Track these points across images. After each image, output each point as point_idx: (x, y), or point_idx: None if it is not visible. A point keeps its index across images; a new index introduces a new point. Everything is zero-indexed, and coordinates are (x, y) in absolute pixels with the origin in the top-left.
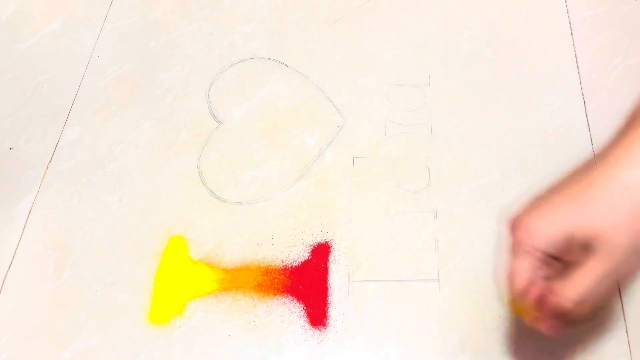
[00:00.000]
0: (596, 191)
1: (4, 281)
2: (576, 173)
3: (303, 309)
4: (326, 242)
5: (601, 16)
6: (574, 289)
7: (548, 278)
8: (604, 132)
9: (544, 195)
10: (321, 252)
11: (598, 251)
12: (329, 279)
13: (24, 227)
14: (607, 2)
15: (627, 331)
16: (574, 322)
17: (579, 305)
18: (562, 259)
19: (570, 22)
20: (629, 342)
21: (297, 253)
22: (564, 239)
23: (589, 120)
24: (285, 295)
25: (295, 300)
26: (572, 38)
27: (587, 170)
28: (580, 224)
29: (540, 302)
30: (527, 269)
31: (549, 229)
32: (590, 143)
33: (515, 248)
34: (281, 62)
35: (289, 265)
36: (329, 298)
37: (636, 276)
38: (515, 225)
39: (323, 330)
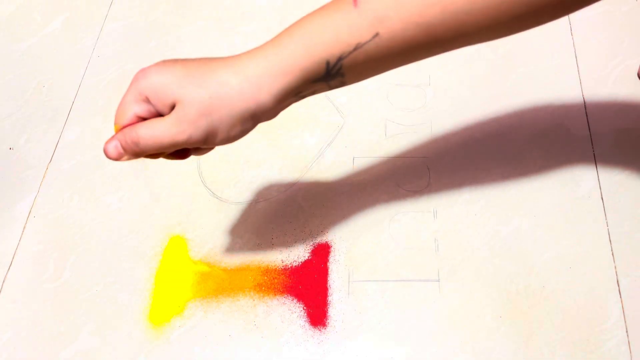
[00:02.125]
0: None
1: (3, 281)
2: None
3: (303, 309)
4: (326, 242)
5: (601, 16)
6: (142, 129)
7: (141, 117)
8: (603, 132)
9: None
10: (321, 252)
11: (175, 114)
12: (329, 279)
13: (24, 227)
14: (607, 2)
15: (627, 331)
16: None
17: (147, 148)
18: (157, 109)
19: (570, 22)
20: (629, 342)
21: (297, 253)
22: (161, 92)
23: (588, 120)
24: (285, 295)
25: (295, 300)
26: (572, 38)
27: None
28: (175, 91)
29: (124, 131)
30: (127, 102)
31: (156, 83)
32: (590, 143)
33: (130, 86)
34: None
35: (289, 265)
36: (329, 298)
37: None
38: (140, 70)
39: (323, 330)
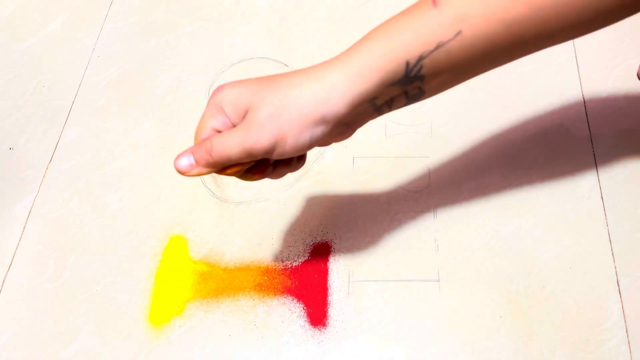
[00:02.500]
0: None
1: (3, 281)
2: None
3: (303, 309)
4: (326, 242)
5: None
6: (215, 138)
7: (219, 131)
8: (603, 132)
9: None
10: (321, 252)
11: (245, 120)
12: (329, 279)
13: (24, 227)
14: None
15: (627, 331)
16: (220, 170)
17: (218, 158)
18: (232, 121)
19: None
20: (628, 342)
21: (297, 253)
22: (234, 102)
23: (588, 120)
24: (285, 295)
25: (295, 300)
26: None
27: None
28: (249, 98)
29: (198, 143)
30: (205, 118)
31: (231, 95)
32: (590, 143)
33: (209, 102)
34: (281, 62)
35: (289, 265)
36: (329, 298)
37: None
38: (217, 88)
39: (323, 330)
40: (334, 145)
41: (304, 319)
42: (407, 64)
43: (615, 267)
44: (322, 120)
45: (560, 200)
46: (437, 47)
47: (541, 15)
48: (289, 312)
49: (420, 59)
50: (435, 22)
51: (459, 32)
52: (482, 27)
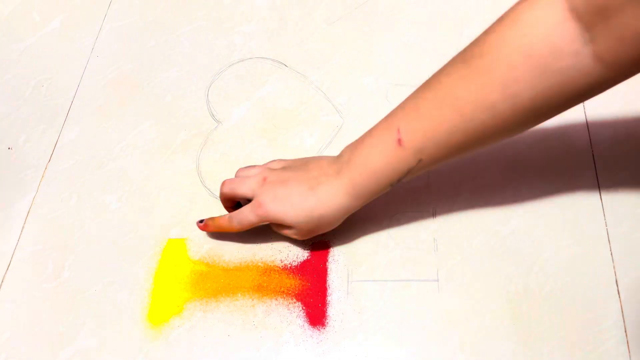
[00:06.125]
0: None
1: (2, 281)
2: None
3: (302, 308)
4: (325, 241)
5: None
6: (220, 219)
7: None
8: (603, 132)
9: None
10: (320, 252)
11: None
12: (328, 278)
13: (23, 227)
14: None
15: (626, 331)
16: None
17: (226, 228)
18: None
19: None
20: (627, 342)
21: (296, 253)
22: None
23: (587, 120)
24: (284, 295)
25: (294, 300)
26: None
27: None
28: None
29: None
30: (224, 199)
31: (234, 188)
32: (590, 143)
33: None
34: (280, 62)
35: (288, 265)
36: (328, 298)
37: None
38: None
39: (322, 330)
40: (333, 145)
41: (303, 319)
42: (391, 184)
43: (614, 267)
44: (312, 216)
45: (559, 200)
46: (408, 172)
47: (477, 137)
48: (288, 312)
49: (399, 180)
50: (403, 157)
51: (420, 160)
52: (434, 153)
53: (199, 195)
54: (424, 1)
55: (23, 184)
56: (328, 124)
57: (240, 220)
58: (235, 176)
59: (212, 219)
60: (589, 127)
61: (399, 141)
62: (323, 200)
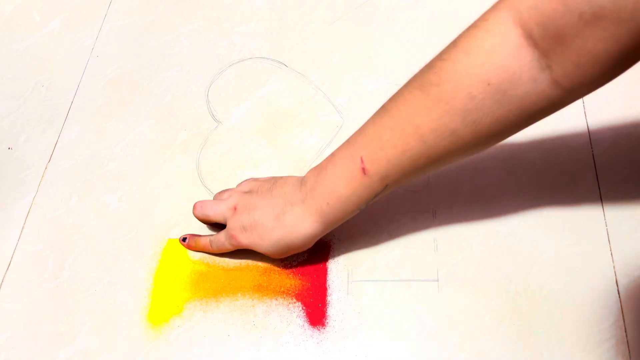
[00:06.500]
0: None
1: (2, 281)
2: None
3: (302, 309)
4: (325, 241)
5: None
6: (201, 240)
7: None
8: (603, 132)
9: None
10: (320, 252)
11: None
12: (328, 278)
13: (23, 227)
14: None
15: (625, 331)
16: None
17: (207, 250)
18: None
19: None
20: (627, 342)
21: (296, 253)
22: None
23: (587, 120)
24: (284, 295)
25: (294, 300)
26: None
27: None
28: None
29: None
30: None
31: (206, 213)
32: (589, 143)
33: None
34: (280, 62)
35: (288, 265)
36: (328, 298)
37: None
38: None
39: (322, 330)
40: (333, 145)
41: (303, 319)
42: (360, 210)
43: (614, 267)
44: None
45: (559, 200)
46: (375, 196)
47: (443, 160)
48: (288, 312)
49: (367, 204)
50: (369, 185)
51: (386, 186)
52: (398, 177)
53: (199, 195)
54: (424, 1)
55: (23, 183)
56: (328, 124)
57: (219, 247)
58: (213, 199)
59: (194, 239)
60: (589, 127)
61: (364, 170)
62: (290, 229)
